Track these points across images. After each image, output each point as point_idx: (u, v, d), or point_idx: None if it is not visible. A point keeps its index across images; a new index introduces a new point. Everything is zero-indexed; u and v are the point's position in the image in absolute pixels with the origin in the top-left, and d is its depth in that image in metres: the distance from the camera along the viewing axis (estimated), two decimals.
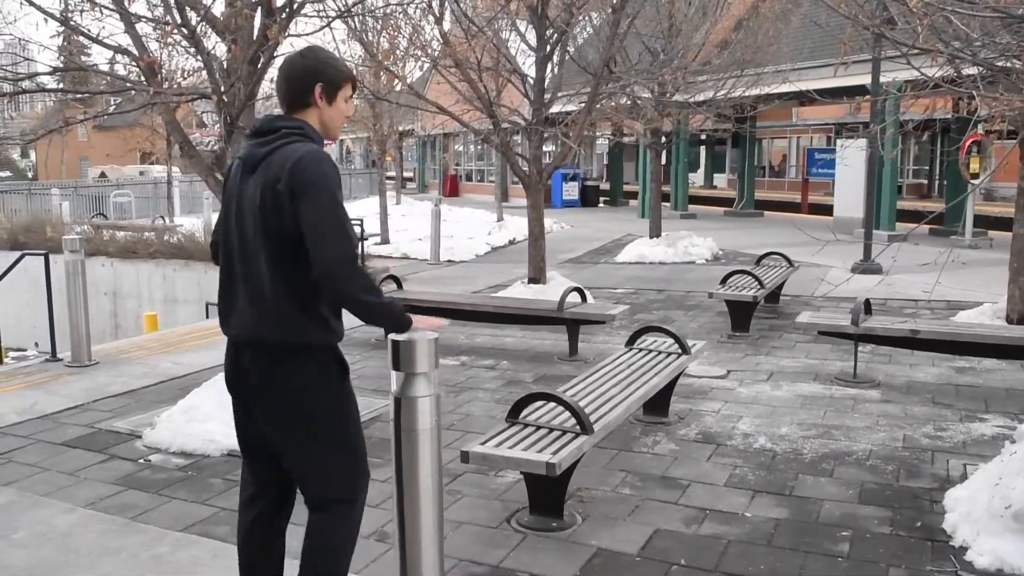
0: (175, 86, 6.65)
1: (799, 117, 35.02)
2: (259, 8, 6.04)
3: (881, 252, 11.88)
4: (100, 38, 6.58)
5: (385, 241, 18.89)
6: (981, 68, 5.93)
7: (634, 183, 29.43)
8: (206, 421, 5.78)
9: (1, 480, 5.23)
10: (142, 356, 8.64)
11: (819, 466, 5.26)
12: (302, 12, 6.32)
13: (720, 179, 40.20)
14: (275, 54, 6.26)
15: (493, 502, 4.80)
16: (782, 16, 16.22)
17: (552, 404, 4.68)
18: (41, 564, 4.13)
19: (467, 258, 16.63)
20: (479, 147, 36.81)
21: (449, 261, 16.17)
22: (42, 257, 9.21)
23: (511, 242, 18.95)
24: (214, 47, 6.40)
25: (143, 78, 6.44)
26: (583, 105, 11.10)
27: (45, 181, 44.55)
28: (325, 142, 3.09)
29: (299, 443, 3.01)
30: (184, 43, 6.33)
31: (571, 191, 30.13)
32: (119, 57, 7.19)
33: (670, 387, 6.07)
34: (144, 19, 6.55)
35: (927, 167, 33.59)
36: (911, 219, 16.24)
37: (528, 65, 11.76)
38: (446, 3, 10.82)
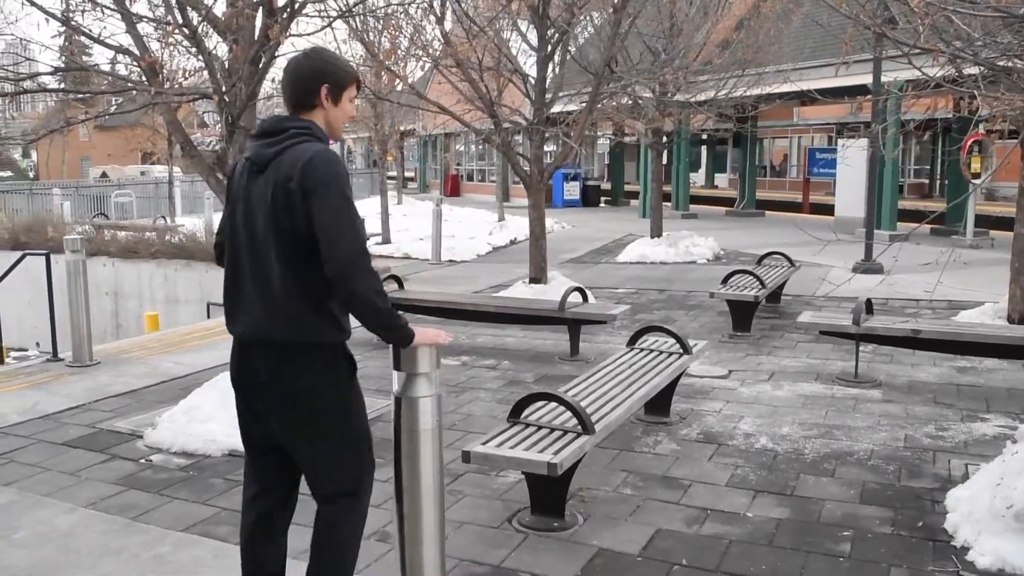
0: (176, 86, 6.66)
1: (800, 117, 34.98)
2: (260, 8, 6.04)
3: (882, 252, 11.87)
4: (101, 38, 6.59)
5: (386, 241, 18.91)
6: (982, 68, 5.92)
7: (635, 183, 29.42)
8: (207, 421, 5.78)
9: (2, 480, 5.23)
10: (143, 356, 8.65)
11: (820, 466, 5.26)
12: (303, 12, 6.31)
13: (721, 179, 40.20)
14: (276, 54, 6.27)
15: (494, 502, 4.80)
16: (783, 16, 16.22)
17: (553, 404, 4.67)
18: (42, 564, 4.14)
19: (468, 258, 16.63)
20: (480, 147, 36.82)
21: (450, 261, 16.18)
22: (43, 257, 9.22)
23: (512, 242, 18.95)
24: (215, 47, 6.41)
25: (144, 78, 6.45)
26: (584, 105, 11.09)
27: (46, 181, 44.55)
28: (330, 142, 3.11)
29: (308, 441, 3.04)
30: (185, 43, 6.33)
31: (572, 191, 30.13)
32: (120, 57, 7.20)
33: (671, 387, 6.06)
34: (145, 19, 6.55)
35: (928, 167, 33.54)
36: (912, 219, 16.20)
37: (529, 65, 11.76)
38: (447, 3, 10.81)
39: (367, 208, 23.89)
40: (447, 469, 4.78)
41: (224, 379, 6.15)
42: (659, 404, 6.05)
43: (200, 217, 24.03)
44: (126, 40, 6.53)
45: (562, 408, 4.59)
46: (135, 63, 6.60)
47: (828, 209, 21.19)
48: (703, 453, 5.53)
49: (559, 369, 7.81)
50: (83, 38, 7.06)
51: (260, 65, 6.10)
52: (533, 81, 10.88)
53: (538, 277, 10.82)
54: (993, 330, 7.25)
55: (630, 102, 15.33)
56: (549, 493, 4.46)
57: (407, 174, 44.85)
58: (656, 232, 16.29)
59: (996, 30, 5.76)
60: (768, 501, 4.75)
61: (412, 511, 3.19)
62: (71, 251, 8.30)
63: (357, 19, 11.52)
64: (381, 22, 12.44)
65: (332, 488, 3.09)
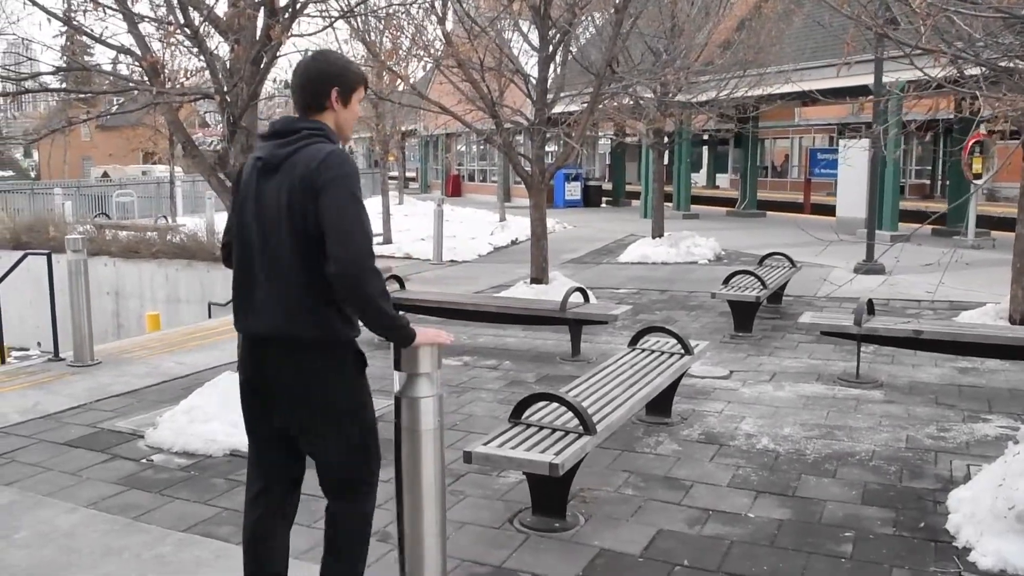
0: (178, 86, 6.66)
1: (802, 117, 34.99)
2: (262, 8, 6.04)
3: (884, 252, 11.86)
4: (103, 38, 6.59)
5: (388, 241, 18.90)
6: (984, 68, 5.92)
7: (636, 183, 29.41)
8: (208, 421, 5.78)
9: (3, 480, 5.23)
10: (144, 356, 8.65)
11: (822, 467, 5.26)
12: (305, 12, 6.31)
13: (723, 179, 40.18)
14: (278, 54, 6.26)
15: (496, 502, 4.80)
16: (785, 16, 16.23)
17: (555, 404, 4.67)
18: (43, 564, 4.13)
19: (469, 258, 16.63)
20: (482, 147, 36.83)
21: (452, 261, 16.17)
22: (45, 257, 9.23)
23: (513, 242, 18.95)
24: (217, 47, 6.40)
25: (146, 78, 6.44)
26: (586, 105, 11.09)
27: (48, 181, 44.62)
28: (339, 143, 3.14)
29: (322, 436, 3.09)
30: (187, 43, 6.33)
31: (573, 191, 30.13)
32: (122, 57, 7.19)
33: (673, 387, 6.06)
34: (147, 19, 6.55)
35: (930, 167, 33.52)
36: (914, 219, 16.23)
37: (531, 65, 11.76)
38: (449, 3, 10.81)
39: (368, 208, 23.89)
40: (448, 469, 4.78)
41: (225, 379, 6.16)
42: (660, 404, 6.05)
43: (201, 217, 24.02)
44: (128, 40, 6.53)
45: (563, 408, 4.59)
46: (137, 63, 6.60)
47: (829, 210, 21.19)
48: (704, 454, 5.53)
49: (560, 369, 7.80)
50: (85, 38, 7.06)
51: (262, 65, 6.09)
52: (534, 81, 10.88)
53: (539, 277, 10.82)
54: (995, 331, 7.25)
55: (631, 102, 15.33)
56: (550, 493, 4.46)
57: (408, 174, 44.85)
58: (657, 232, 16.29)
59: (997, 31, 5.76)
60: (769, 502, 4.74)
61: (413, 511, 3.19)
62: (72, 251, 8.30)
63: (359, 19, 11.53)
64: (383, 22, 12.46)
65: (343, 482, 3.15)
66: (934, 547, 4.14)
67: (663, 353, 6.15)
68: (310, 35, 6.77)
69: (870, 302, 7.44)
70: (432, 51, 11.67)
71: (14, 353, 14.27)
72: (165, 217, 26.33)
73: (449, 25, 10.96)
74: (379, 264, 2.96)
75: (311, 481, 3.34)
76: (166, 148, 27.48)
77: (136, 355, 8.70)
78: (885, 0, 8.85)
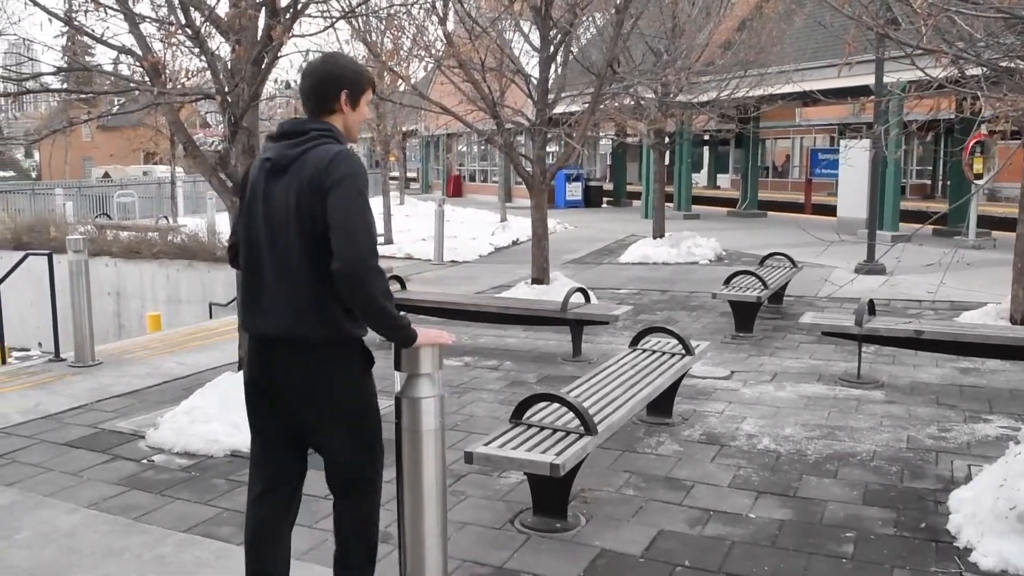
0: (179, 86, 6.66)
1: (803, 117, 35.00)
2: (263, 8, 6.03)
3: (885, 253, 11.86)
4: (104, 38, 6.58)
5: (388, 241, 18.90)
6: (985, 69, 5.92)
7: (637, 183, 29.41)
8: (209, 422, 5.78)
9: (4, 480, 5.23)
10: (145, 356, 8.65)
11: (823, 467, 5.26)
12: (306, 12, 6.31)
13: (723, 179, 40.16)
14: (279, 55, 6.26)
15: (497, 503, 4.80)
16: (786, 16, 16.23)
17: (556, 405, 4.67)
18: (44, 565, 4.14)
19: (470, 258, 16.63)
20: (482, 147, 36.82)
21: (452, 261, 16.17)
22: (46, 257, 9.24)
23: (514, 242, 18.94)
24: (218, 47, 6.40)
25: (147, 78, 6.44)
26: (587, 105, 11.09)
27: (49, 181, 44.64)
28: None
29: (330, 434, 3.13)
30: (188, 43, 6.33)
31: (574, 191, 30.13)
32: (123, 57, 7.20)
33: (674, 388, 6.06)
34: (148, 19, 6.55)
35: (930, 168, 33.53)
36: (915, 220, 16.22)
37: (532, 66, 11.76)
38: (450, 3, 10.81)
39: None
40: (449, 470, 4.77)
41: (226, 379, 6.16)
42: (661, 405, 6.05)
43: (203, 217, 24.04)
44: (129, 40, 6.53)
45: (564, 409, 4.59)
46: (138, 63, 6.59)
47: (830, 210, 21.17)
48: (705, 454, 5.53)
49: (561, 370, 7.80)
50: (86, 38, 7.06)
51: (263, 66, 6.09)
52: (535, 82, 10.89)
53: (540, 278, 10.82)
54: (996, 331, 7.24)
55: (632, 103, 15.34)
56: (551, 494, 4.46)
57: (409, 174, 44.87)
58: (658, 233, 16.29)
59: (999, 31, 5.76)
60: (771, 502, 4.74)
61: (414, 512, 3.19)
62: (73, 251, 8.31)
63: (360, 20, 11.52)
64: (384, 23, 12.48)
65: (350, 481, 3.19)
66: (935, 547, 4.14)
67: (664, 353, 6.15)
68: (311, 35, 6.77)
69: (871, 302, 7.44)
70: (433, 51, 11.67)
71: (15, 353, 14.28)
72: (166, 217, 26.35)
73: (450, 25, 10.98)
74: (381, 264, 2.97)
75: (311, 481, 3.35)
76: (167, 148, 27.51)
77: (137, 355, 8.71)
78: (886, 0, 8.85)
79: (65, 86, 7.73)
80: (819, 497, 4.79)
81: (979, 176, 15.60)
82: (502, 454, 4.18)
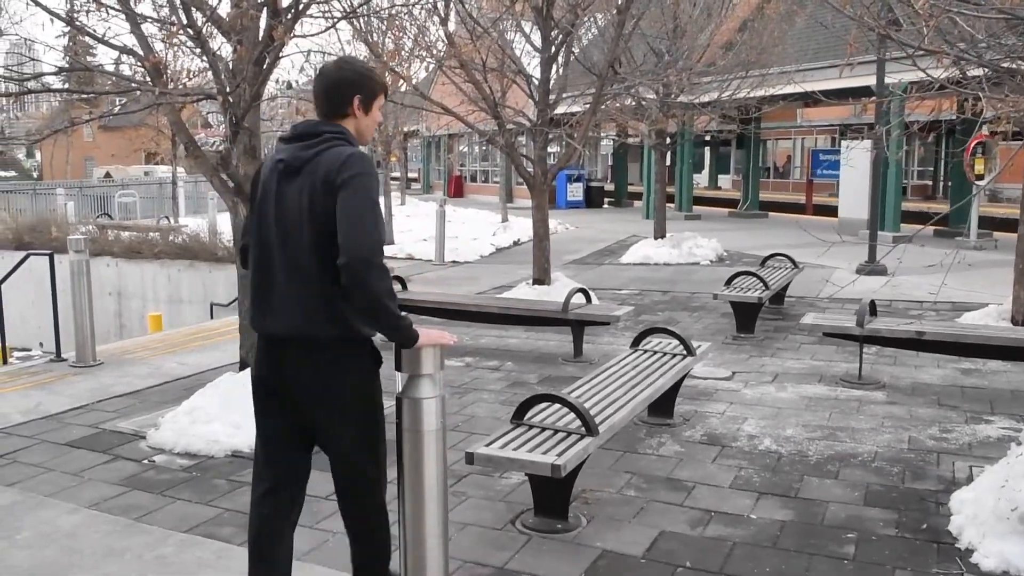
0: (180, 86, 6.66)
1: (804, 118, 34.98)
2: (265, 9, 6.04)
3: (887, 254, 11.85)
4: (106, 38, 6.58)
5: (390, 242, 18.90)
6: (986, 69, 5.92)
7: (638, 184, 29.42)
8: (210, 422, 5.78)
9: (5, 480, 5.23)
10: (146, 356, 8.65)
11: (824, 468, 5.25)
12: (308, 13, 6.31)
13: (724, 180, 40.15)
14: (280, 55, 6.26)
15: (498, 503, 4.80)
16: (787, 17, 16.23)
17: (557, 406, 4.67)
18: (45, 565, 4.14)
19: (471, 259, 16.63)
20: (484, 148, 36.81)
21: (454, 262, 16.18)
22: (47, 257, 9.24)
23: (516, 243, 18.95)
24: (219, 48, 6.40)
25: (148, 78, 6.44)
26: (588, 106, 11.09)
27: (50, 181, 44.67)
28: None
29: (336, 433, 3.15)
30: (190, 43, 6.33)
31: (576, 192, 30.13)
32: (124, 57, 7.20)
33: (675, 388, 6.06)
34: (150, 19, 6.55)
35: (932, 168, 33.53)
36: (916, 220, 16.26)
37: (533, 66, 11.76)
38: (451, 4, 10.82)
39: None
40: (450, 470, 4.77)
41: (227, 380, 6.16)
42: (663, 406, 6.04)
43: (204, 218, 24.05)
44: (130, 40, 6.53)
45: (566, 410, 4.58)
46: (139, 63, 6.60)
47: (831, 211, 21.17)
48: (707, 455, 5.52)
49: (563, 370, 7.80)
50: (87, 38, 7.07)
51: (264, 66, 6.09)
52: (537, 82, 10.89)
53: (542, 278, 10.82)
54: (997, 332, 7.24)
55: (634, 103, 15.33)
56: (553, 495, 4.46)
57: (410, 175, 44.87)
58: (659, 233, 16.29)
59: (1000, 32, 5.76)
60: (772, 503, 4.74)
61: (415, 512, 3.19)
62: (75, 251, 8.31)
63: (361, 20, 11.52)
64: (385, 23, 12.47)
65: (357, 479, 3.21)
66: (936, 548, 4.14)
67: (665, 354, 6.15)
68: (313, 36, 6.77)
69: (872, 303, 7.44)
70: (435, 52, 11.66)
71: (16, 353, 14.27)
72: (167, 218, 26.35)
73: (451, 26, 10.97)
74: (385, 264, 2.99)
75: (313, 481, 3.35)
76: (168, 149, 27.50)
77: (138, 356, 8.71)
78: (888, 1, 8.85)
79: (67, 86, 7.73)
80: (820, 498, 4.79)
81: (980, 177, 15.59)
82: (503, 455, 4.18)
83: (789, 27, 16.57)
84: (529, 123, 11.06)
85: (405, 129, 25.60)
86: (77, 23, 6.78)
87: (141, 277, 17.40)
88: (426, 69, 16.42)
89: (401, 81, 11.75)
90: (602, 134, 27.21)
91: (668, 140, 17.11)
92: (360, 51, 15.50)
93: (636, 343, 6.43)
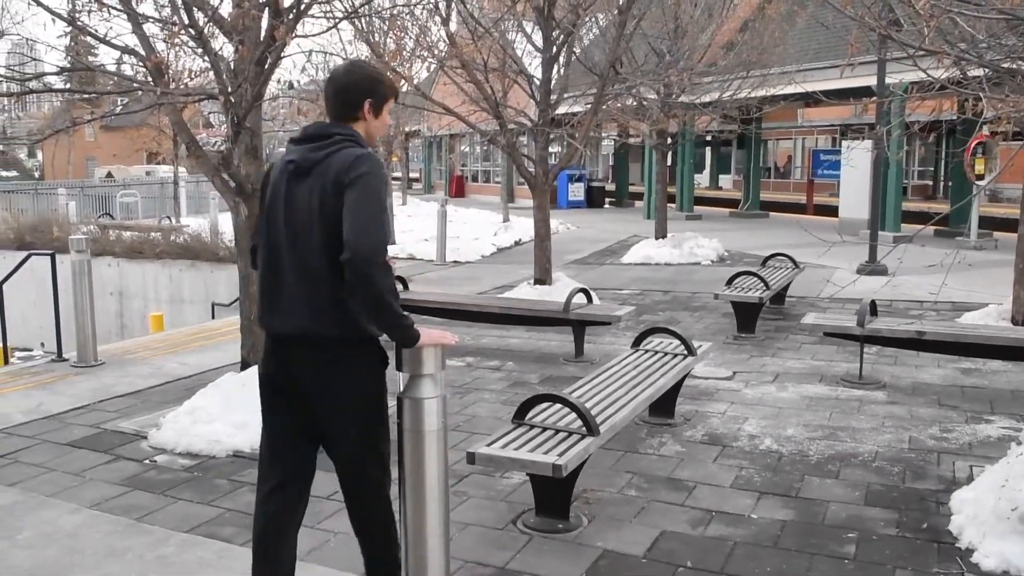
0: (182, 86, 6.66)
1: (805, 118, 34.97)
2: (266, 9, 6.04)
3: (887, 254, 11.84)
4: (107, 38, 6.59)
5: (391, 242, 18.92)
6: (987, 70, 5.92)
7: (640, 184, 29.43)
8: (212, 422, 5.79)
9: (6, 480, 5.24)
10: (148, 356, 8.66)
11: (825, 467, 5.26)
12: (309, 13, 6.31)
13: (725, 180, 40.16)
14: (282, 55, 6.27)
15: (499, 503, 4.80)
16: (788, 17, 16.23)
17: (558, 405, 4.67)
18: (46, 565, 4.14)
19: (473, 259, 16.63)
20: (485, 148, 36.83)
21: (455, 262, 16.18)
22: (48, 257, 9.26)
23: (517, 243, 18.95)
24: (221, 48, 6.41)
25: (150, 78, 6.45)
26: (589, 106, 11.09)
27: (52, 181, 44.68)
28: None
29: (343, 431, 3.15)
30: (191, 44, 6.33)
31: (577, 192, 30.13)
32: (126, 57, 7.20)
33: (676, 388, 6.06)
34: (151, 19, 6.55)
35: (932, 168, 33.52)
36: (916, 220, 16.25)
37: (534, 66, 11.77)
38: (452, 4, 10.82)
39: None
40: (451, 470, 4.78)
41: (228, 380, 6.16)
42: (664, 405, 6.05)
43: (205, 217, 24.06)
44: (132, 40, 6.54)
45: (567, 410, 4.59)
46: (141, 63, 6.60)
47: (832, 210, 21.16)
48: (708, 455, 5.53)
49: (564, 370, 7.80)
50: (89, 38, 7.07)
51: (266, 66, 6.09)
52: (538, 82, 10.89)
53: (543, 278, 10.82)
54: (997, 332, 7.24)
55: (635, 103, 15.33)
56: (554, 495, 4.46)
57: (412, 175, 44.88)
58: (660, 233, 16.30)
59: (1001, 32, 5.76)
60: (773, 503, 4.74)
61: (416, 512, 3.19)
62: (76, 251, 8.32)
63: (363, 20, 11.52)
64: (387, 23, 12.47)
65: (363, 477, 3.21)
66: (937, 548, 4.14)
67: (666, 354, 6.15)
68: (314, 36, 6.78)
69: (873, 303, 7.44)
70: (436, 52, 11.66)
71: (17, 353, 14.28)
72: (169, 217, 26.37)
73: (453, 26, 10.96)
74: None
75: (315, 481, 3.35)
76: (170, 148, 27.52)
77: (139, 356, 8.71)
78: (888, 1, 8.85)
79: (68, 86, 7.73)
80: (821, 498, 4.79)
81: (981, 177, 15.58)
82: (504, 455, 4.19)
83: (790, 27, 16.57)
84: (530, 123, 11.07)
85: (406, 129, 25.64)
86: (79, 23, 6.79)
87: (143, 277, 17.41)
88: (428, 69, 16.43)
89: (403, 81, 11.76)
90: (603, 134, 27.26)
91: (669, 140, 17.11)
92: (362, 51, 15.51)
93: (637, 343, 6.43)
